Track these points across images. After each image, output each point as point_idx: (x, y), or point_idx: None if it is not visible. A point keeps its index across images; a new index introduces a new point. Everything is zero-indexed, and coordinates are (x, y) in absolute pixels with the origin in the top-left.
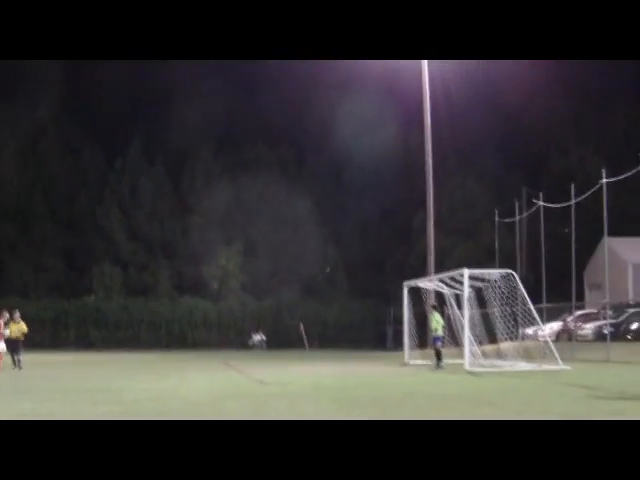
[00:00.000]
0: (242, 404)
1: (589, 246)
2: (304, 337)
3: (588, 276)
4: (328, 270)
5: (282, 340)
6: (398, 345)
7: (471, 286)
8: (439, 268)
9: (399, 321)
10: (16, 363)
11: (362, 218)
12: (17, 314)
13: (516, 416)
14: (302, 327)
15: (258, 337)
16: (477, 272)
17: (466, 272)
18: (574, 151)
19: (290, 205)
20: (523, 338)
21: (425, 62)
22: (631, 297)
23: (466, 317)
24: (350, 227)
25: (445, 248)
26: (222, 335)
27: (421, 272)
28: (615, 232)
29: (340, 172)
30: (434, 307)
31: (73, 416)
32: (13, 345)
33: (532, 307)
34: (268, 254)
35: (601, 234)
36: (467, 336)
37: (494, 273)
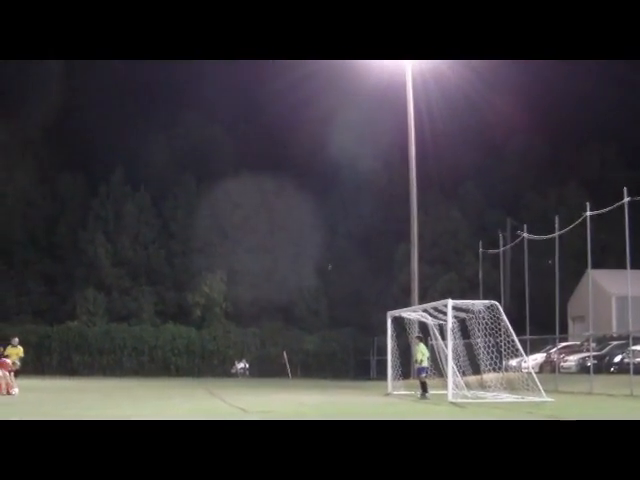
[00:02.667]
0: None
1: (573, 279)
2: (287, 366)
3: (571, 308)
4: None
5: (265, 368)
6: (381, 375)
7: (455, 317)
8: (422, 298)
9: (382, 351)
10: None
11: (343, 248)
12: (16, 339)
13: None
14: (285, 356)
15: (241, 365)
16: (461, 303)
17: (450, 302)
18: (555, 187)
19: (271, 235)
20: (507, 369)
21: (410, 91)
22: (614, 329)
23: (449, 348)
24: (331, 258)
25: (428, 278)
26: (205, 362)
27: (404, 302)
28: (598, 265)
29: (322, 203)
30: (419, 338)
31: None
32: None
33: (516, 338)
34: (250, 283)
35: (584, 267)
36: (450, 367)
37: (478, 304)
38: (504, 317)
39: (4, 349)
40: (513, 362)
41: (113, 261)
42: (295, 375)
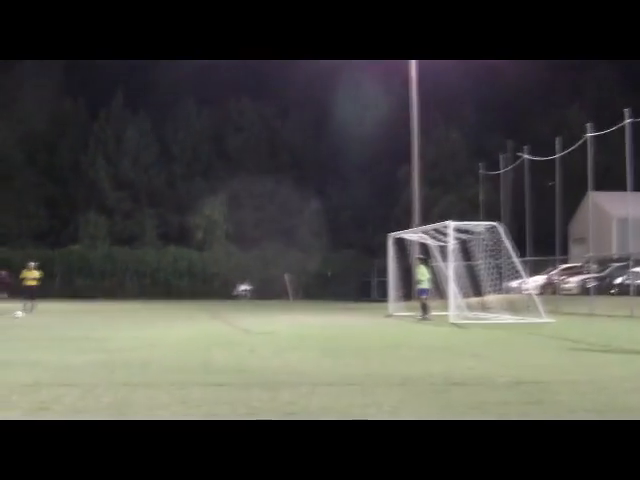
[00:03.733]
0: (228, 353)
1: (574, 201)
2: (289, 288)
3: (572, 230)
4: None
5: (267, 290)
6: (382, 296)
7: (456, 238)
8: (423, 220)
9: (383, 273)
10: (24, 307)
11: (345, 170)
12: (31, 264)
13: (499, 368)
14: (287, 278)
15: (243, 287)
16: (462, 224)
17: (451, 224)
18: (557, 109)
19: (273, 157)
20: (507, 291)
21: None
22: (615, 251)
23: (450, 269)
24: (333, 179)
25: (429, 200)
26: (207, 285)
27: (405, 224)
28: (599, 187)
29: (322, 126)
30: (420, 260)
31: (59, 364)
32: (28, 291)
33: (517, 260)
34: (252, 205)
35: (585, 189)
36: (452, 288)
37: (479, 225)
38: (505, 238)
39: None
40: (514, 283)
41: (114, 184)
42: (297, 297)
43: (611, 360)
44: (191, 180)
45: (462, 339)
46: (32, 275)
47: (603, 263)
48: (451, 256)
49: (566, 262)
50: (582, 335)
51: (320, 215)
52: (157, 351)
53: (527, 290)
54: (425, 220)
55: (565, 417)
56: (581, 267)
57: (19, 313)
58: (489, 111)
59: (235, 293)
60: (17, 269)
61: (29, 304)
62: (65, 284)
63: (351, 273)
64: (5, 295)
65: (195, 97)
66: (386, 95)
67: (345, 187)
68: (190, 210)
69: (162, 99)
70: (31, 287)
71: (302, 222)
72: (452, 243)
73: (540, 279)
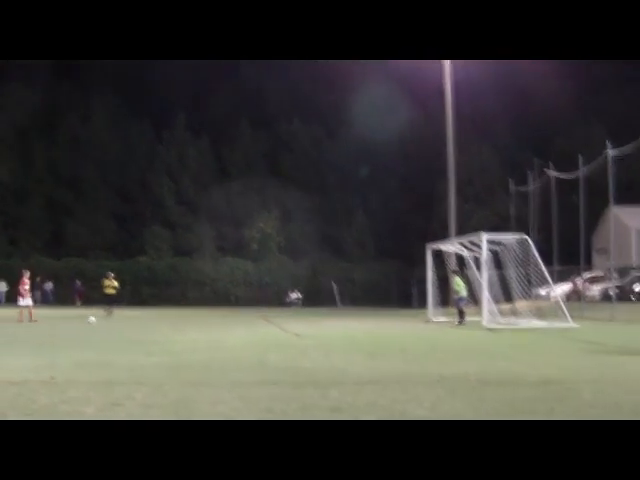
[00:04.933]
0: (281, 355)
1: (597, 214)
2: (336, 295)
3: (595, 241)
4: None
5: (316, 298)
6: (422, 304)
7: (489, 249)
8: (458, 233)
9: (422, 281)
10: (106, 311)
11: (387, 187)
12: (110, 274)
13: (529, 368)
14: (334, 286)
15: (294, 295)
16: (494, 236)
17: (484, 236)
18: (582, 126)
19: (321, 175)
20: (536, 298)
21: None
22: (635, 261)
23: (484, 278)
24: (376, 195)
25: (464, 214)
26: (261, 293)
27: (442, 236)
28: (621, 201)
29: (367, 145)
30: (455, 272)
31: (130, 364)
32: (107, 299)
33: (544, 269)
34: (302, 219)
35: (608, 203)
36: (485, 295)
37: (509, 237)
38: (534, 249)
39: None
40: (542, 291)
41: (176, 200)
42: (344, 304)
43: (630, 361)
44: (246, 196)
45: (494, 342)
46: (111, 284)
47: (624, 272)
48: (484, 266)
49: (590, 271)
50: (604, 339)
51: (364, 227)
52: (217, 353)
53: (554, 297)
54: (460, 233)
55: (587, 412)
56: (604, 276)
57: (92, 319)
58: (519, 128)
59: (287, 301)
60: (89, 279)
61: (109, 310)
62: (134, 293)
63: (392, 282)
64: (79, 304)
65: (250, 119)
66: (424, 112)
67: (386, 201)
68: (245, 224)
69: (220, 121)
70: (110, 295)
71: (347, 234)
72: (485, 254)
73: (565, 287)
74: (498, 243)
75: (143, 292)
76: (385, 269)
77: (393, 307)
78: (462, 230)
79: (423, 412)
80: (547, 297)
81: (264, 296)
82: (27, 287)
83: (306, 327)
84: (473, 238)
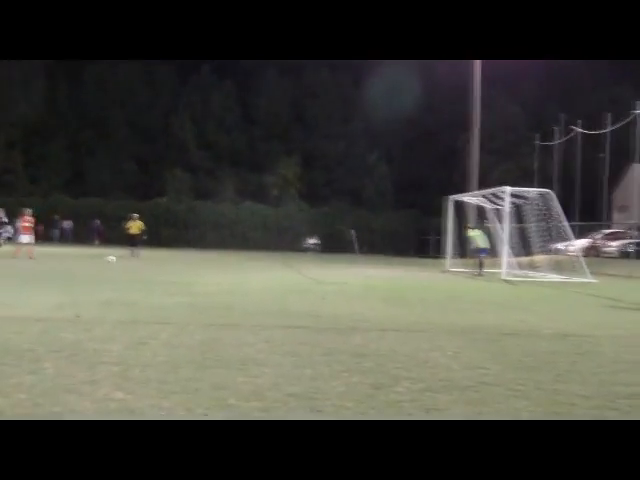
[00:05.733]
0: (302, 299)
1: (619, 172)
2: (354, 243)
3: (616, 199)
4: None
5: (334, 245)
6: (438, 253)
7: (511, 203)
8: (480, 186)
9: (440, 232)
10: (133, 253)
11: (410, 138)
12: (135, 215)
13: (547, 321)
14: (353, 233)
15: (312, 241)
16: (517, 190)
17: (508, 189)
18: (609, 85)
19: (345, 124)
20: (554, 252)
21: None
22: None
23: (506, 230)
24: (399, 146)
25: (486, 168)
26: (279, 238)
27: (462, 189)
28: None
29: (391, 97)
30: (469, 227)
31: (152, 304)
32: (132, 239)
33: (567, 224)
34: (324, 166)
35: (628, 161)
36: (505, 248)
37: (533, 191)
38: (557, 204)
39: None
40: (560, 246)
41: (199, 144)
42: (362, 251)
43: None
44: (269, 142)
45: (513, 294)
46: (136, 225)
47: None
48: (506, 219)
49: (609, 228)
50: (622, 295)
51: (385, 177)
52: (239, 296)
53: (573, 252)
54: (481, 186)
55: (610, 368)
56: (623, 232)
57: (112, 258)
58: (546, 85)
59: (305, 246)
60: (108, 219)
61: (134, 251)
62: (152, 234)
63: (411, 231)
64: (97, 243)
65: (276, 66)
66: (450, 64)
67: (409, 152)
68: (267, 169)
69: (246, 67)
70: (134, 236)
71: (369, 183)
72: (508, 207)
73: (584, 242)
74: (521, 197)
75: (162, 234)
76: (404, 219)
77: (410, 256)
78: (483, 183)
79: (446, 360)
80: (565, 252)
81: (282, 241)
82: (28, 225)
83: (325, 273)
84: (496, 191)
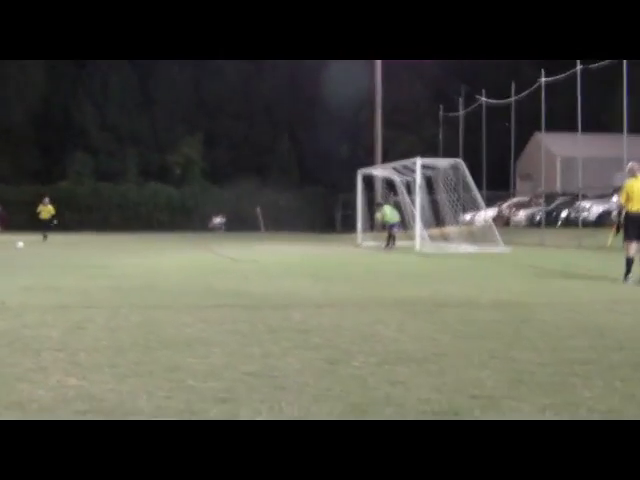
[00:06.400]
0: (225, 278)
1: (520, 141)
2: (260, 220)
3: (520, 168)
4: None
5: (240, 223)
6: (345, 229)
7: (422, 174)
8: (384, 159)
9: (347, 207)
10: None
11: (312, 114)
12: (46, 199)
13: (477, 291)
14: (259, 211)
15: (218, 220)
16: (428, 161)
17: (419, 161)
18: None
19: (248, 102)
20: (461, 223)
21: None
22: (559, 187)
23: (418, 203)
24: (301, 122)
25: (390, 141)
26: (185, 218)
27: (367, 163)
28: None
29: (293, 74)
30: (379, 204)
31: (76, 288)
32: (44, 225)
33: (478, 194)
34: (228, 145)
35: (531, 130)
36: (418, 221)
37: (444, 162)
38: (468, 174)
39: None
40: (467, 216)
41: (100, 126)
42: (267, 229)
43: (576, 285)
44: (171, 122)
45: (433, 267)
46: (46, 209)
47: (549, 198)
48: (418, 191)
49: (513, 197)
50: (541, 263)
51: (290, 154)
52: (159, 277)
53: (479, 222)
54: (386, 160)
55: (555, 334)
56: (529, 201)
57: (20, 244)
58: (448, 62)
59: (211, 225)
60: (10, 204)
61: (45, 235)
62: (55, 217)
63: (317, 207)
64: (0, 229)
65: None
66: None
67: (313, 129)
68: (169, 149)
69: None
70: (45, 220)
71: (273, 160)
72: (419, 179)
73: (490, 212)
74: (431, 167)
75: (65, 217)
76: (309, 196)
77: (317, 232)
78: (388, 157)
79: (392, 333)
80: (471, 222)
81: (188, 221)
82: None
83: (239, 251)
84: (407, 163)
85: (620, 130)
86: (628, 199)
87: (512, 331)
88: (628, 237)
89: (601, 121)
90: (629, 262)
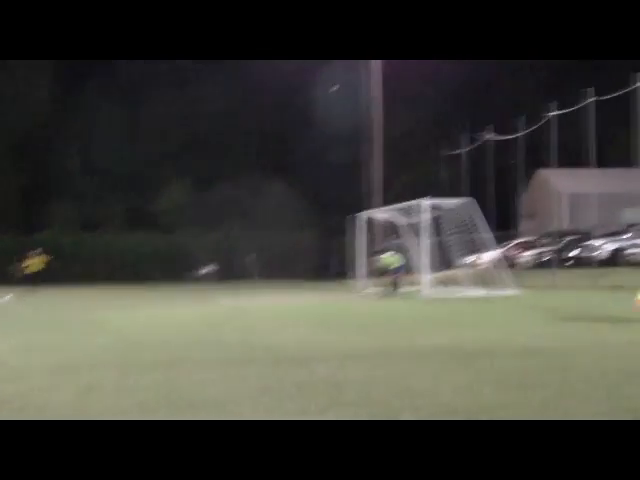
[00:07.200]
0: (235, 331)
1: (522, 178)
2: (254, 268)
3: (523, 206)
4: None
5: (232, 271)
6: (342, 275)
7: (429, 215)
8: (383, 199)
9: (342, 252)
10: (28, 291)
11: (307, 152)
12: (38, 250)
13: (505, 337)
14: (252, 258)
15: (209, 268)
16: (437, 201)
17: (426, 202)
18: (510, 91)
19: (235, 140)
20: (462, 267)
21: None
22: (566, 226)
23: (425, 246)
24: (295, 161)
25: (388, 180)
26: (174, 267)
27: (364, 204)
28: (549, 164)
29: (284, 110)
30: (377, 252)
31: (77, 346)
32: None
33: (490, 235)
34: (217, 188)
35: (533, 167)
36: (425, 265)
37: (453, 202)
38: (480, 213)
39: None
40: (468, 259)
41: (83, 171)
42: (262, 277)
43: (602, 328)
44: (157, 165)
45: (445, 312)
46: (36, 262)
47: (555, 237)
48: (425, 234)
49: (518, 237)
50: (558, 305)
51: (283, 197)
52: (167, 332)
53: (487, 264)
54: (385, 199)
55: (601, 382)
56: (534, 241)
57: (7, 298)
58: (448, 93)
59: (202, 275)
60: None
61: (30, 288)
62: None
63: (312, 252)
64: None
65: (164, 77)
66: (346, 76)
67: (306, 169)
68: (156, 194)
69: (133, 81)
70: (34, 272)
71: (265, 204)
72: (427, 220)
73: (494, 254)
74: (438, 208)
75: (49, 268)
76: (304, 240)
77: (314, 279)
78: (386, 196)
79: (429, 385)
80: (475, 264)
81: (177, 271)
82: None
83: (241, 301)
84: (412, 204)
85: (627, 164)
86: None
87: (557, 380)
88: None
89: (605, 156)
90: None
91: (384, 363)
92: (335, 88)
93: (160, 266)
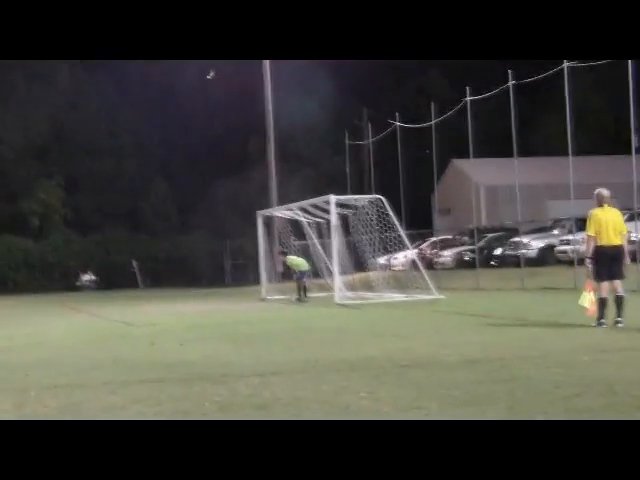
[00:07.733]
0: (128, 347)
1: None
2: (138, 275)
3: (437, 201)
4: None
5: (113, 279)
6: (237, 281)
7: (337, 214)
8: (280, 198)
9: (237, 255)
10: None
11: (191, 148)
12: None
13: (435, 347)
14: (135, 264)
15: (87, 277)
16: (343, 198)
17: (333, 198)
18: (414, 77)
19: (113, 137)
20: (376, 268)
21: None
22: (485, 221)
23: (335, 247)
24: (179, 158)
25: (284, 175)
26: (46, 276)
27: (259, 202)
28: (461, 154)
29: (169, 99)
30: (284, 253)
31: None
32: None
33: (403, 234)
34: (92, 188)
35: (446, 158)
36: (336, 267)
37: (362, 198)
38: (390, 211)
39: None
40: (382, 260)
41: None
42: (146, 285)
43: (543, 334)
44: (23, 164)
45: (365, 320)
46: None
47: (477, 234)
48: (334, 233)
49: (434, 235)
50: (487, 310)
51: (167, 196)
52: (49, 350)
53: (396, 266)
54: (281, 198)
55: (555, 394)
56: (453, 239)
57: None
58: (345, 81)
59: (79, 284)
60: None
61: None
62: None
63: (202, 257)
64: None
65: (23, 71)
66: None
67: (192, 165)
68: (23, 195)
69: None
70: None
71: (147, 205)
72: (335, 219)
73: (409, 253)
74: (346, 206)
75: None
76: (193, 243)
77: (205, 286)
78: (283, 194)
79: (367, 403)
80: (388, 266)
81: (49, 280)
82: None
83: (128, 314)
84: (317, 201)
85: (547, 153)
86: (596, 231)
87: (504, 394)
88: (599, 276)
89: (527, 144)
90: (602, 304)
91: (312, 378)
92: (211, 75)
93: (31, 275)
